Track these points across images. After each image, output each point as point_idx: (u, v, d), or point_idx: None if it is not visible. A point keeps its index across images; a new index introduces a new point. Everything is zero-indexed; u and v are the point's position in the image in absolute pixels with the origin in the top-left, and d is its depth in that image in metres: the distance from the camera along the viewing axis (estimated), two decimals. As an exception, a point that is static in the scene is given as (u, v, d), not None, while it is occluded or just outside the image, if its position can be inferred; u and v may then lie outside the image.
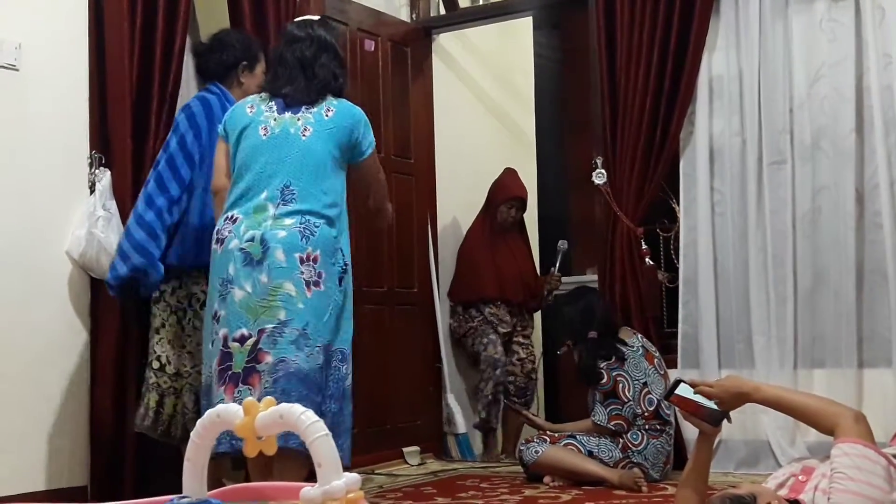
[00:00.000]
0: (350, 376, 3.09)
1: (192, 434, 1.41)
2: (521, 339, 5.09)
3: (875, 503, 2.02)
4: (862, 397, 3.97)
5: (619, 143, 4.42)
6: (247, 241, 2.99)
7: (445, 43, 5.39)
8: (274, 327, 2.93)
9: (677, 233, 4.42)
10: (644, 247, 4.36)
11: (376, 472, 4.40)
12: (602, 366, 3.97)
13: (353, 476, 1.29)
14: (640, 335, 4.14)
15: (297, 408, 1.34)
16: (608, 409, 3.95)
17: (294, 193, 3.03)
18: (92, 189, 3.47)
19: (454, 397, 4.97)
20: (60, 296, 3.44)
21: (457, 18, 5.31)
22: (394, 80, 4.91)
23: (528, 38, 5.76)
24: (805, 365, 4.12)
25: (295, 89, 3.15)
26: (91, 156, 3.51)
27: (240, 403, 2.69)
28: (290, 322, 2.94)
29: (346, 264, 3.10)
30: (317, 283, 2.99)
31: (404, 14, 5.15)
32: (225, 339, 2.97)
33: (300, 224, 3.00)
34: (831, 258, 4.09)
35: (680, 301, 4.36)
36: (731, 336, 4.28)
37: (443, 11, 5.31)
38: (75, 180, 3.48)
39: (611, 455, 3.91)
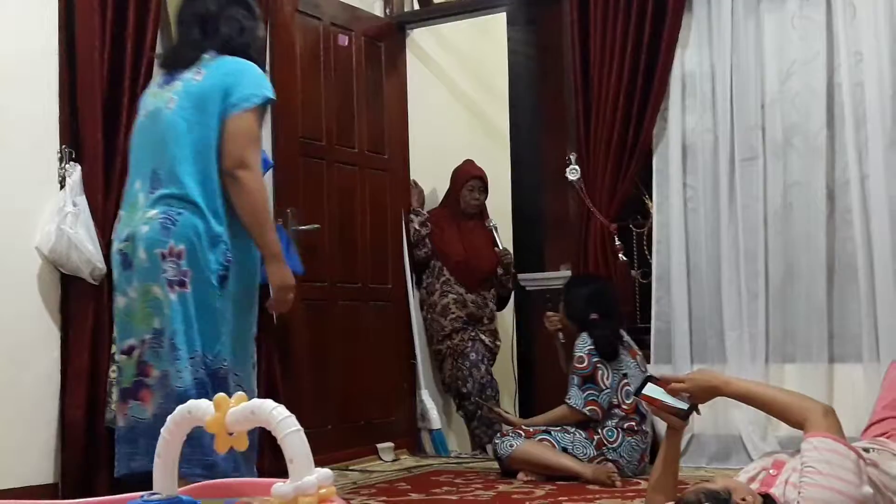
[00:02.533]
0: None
1: (162, 430, 1.41)
2: (485, 336, 5.04)
3: (844, 496, 2.04)
4: (832, 392, 4.01)
5: (592, 139, 4.44)
6: (123, 241, 2.72)
7: (420, 38, 5.38)
8: (152, 337, 2.65)
9: (650, 229, 4.45)
10: (617, 243, 4.39)
11: (350, 468, 4.38)
12: (585, 350, 3.97)
13: (326, 472, 1.29)
14: (623, 331, 4.16)
15: (269, 403, 1.34)
16: (585, 394, 3.95)
17: (160, 178, 2.67)
18: (62, 184, 3.43)
19: (428, 393, 4.97)
20: (30, 291, 3.40)
21: (431, 14, 5.31)
22: (367, 76, 4.90)
23: (503, 34, 5.73)
24: (776, 360, 4.15)
25: (177, 52, 2.80)
26: (61, 150, 3.47)
27: (134, 419, 2.51)
28: (164, 331, 2.63)
29: (228, 261, 2.67)
30: (182, 284, 2.61)
31: (378, 9, 5.13)
32: (117, 352, 2.76)
33: (162, 214, 2.63)
34: (802, 254, 4.12)
35: (653, 297, 4.40)
36: (704, 331, 4.31)
37: (417, 7, 5.30)
38: (45, 175, 3.44)
39: (585, 452, 3.92)
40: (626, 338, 4.12)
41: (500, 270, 5.08)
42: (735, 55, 4.26)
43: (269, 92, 2.70)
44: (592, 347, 4.00)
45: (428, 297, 5.05)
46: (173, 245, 2.61)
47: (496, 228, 5.10)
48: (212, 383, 2.62)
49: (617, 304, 4.22)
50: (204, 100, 2.66)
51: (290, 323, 4.29)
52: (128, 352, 2.68)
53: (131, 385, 2.67)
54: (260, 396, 3.35)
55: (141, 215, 2.67)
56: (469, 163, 5.20)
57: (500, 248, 5.06)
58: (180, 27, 2.84)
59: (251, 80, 2.68)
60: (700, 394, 2.47)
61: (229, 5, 2.79)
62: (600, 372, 3.97)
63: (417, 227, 5.03)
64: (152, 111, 2.75)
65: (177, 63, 2.75)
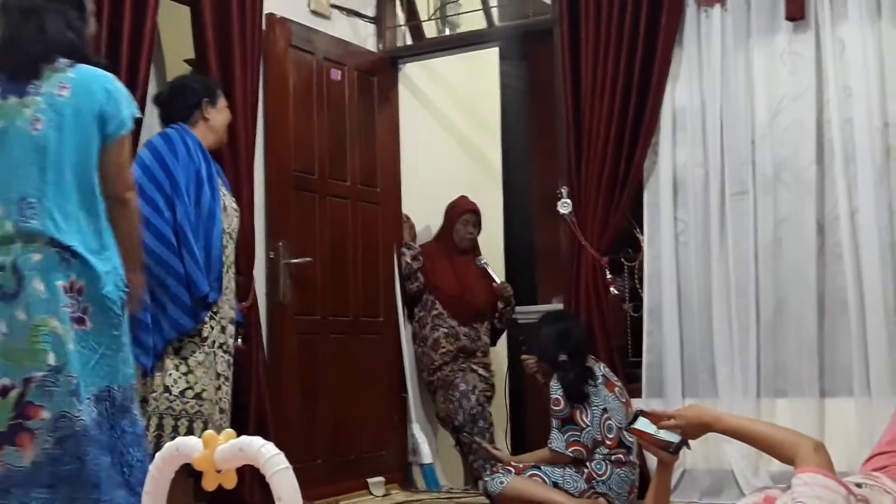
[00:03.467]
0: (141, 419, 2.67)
1: (150, 467, 1.40)
2: (479, 367, 5.00)
3: (835, 532, 2.02)
4: (824, 426, 4.00)
5: (584, 172, 4.46)
6: None
7: (412, 72, 5.41)
8: (45, 375, 2.43)
9: (641, 262, 4.46)
10: (609, 276, 4.41)
11: (340, 502, 4.36)
12: (559, 393, 3.96)
13: (314, 510, 1.29)
14: (602, 364, 4.15)
15: (258, 441, 1.34)
16: (566, 436, 3.93)
17: (35, 209, 2.48)
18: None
19: (419, 427, 4.95)
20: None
21: (423, 48, 5.34)
22: (360, 109, 4.92)
23: (495, 68, 5.76)
24: (768, 394, 4.15)
25: (16, 59, 2.53)
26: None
27: (8, 468, 2.34)
28: (64, 367, 2.44)
29: (124, 292, 2.60)
30: (82, 321, 2.49)
31: (371, 44, 5.16)
32: None
33: (53, 246, 2.48)
34: (793, 288, 4.14)
35: (644, 330, 4.40)
36: (695, 365, 4.31)
37: (409, 41, 5.34)
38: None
39: (576, 486, 3.89)
40: (603, 371, 4.08)
41: (500, 304, 5.04)
42: (725, 90, 4.30)
43: (137, 111, 2.70)
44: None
45: (419, 330, 5.03)
46: (75, 279, 2.49)
47: (488, 265, 5.06)
48: (114, 416, 2.53)
49: (585, 340, 4.19)
50: (80, 123, 2.53)
51: (281, 356, 4.30)
52: (0, 392, 2.44)
53: (6, 429, 2.43)
54: (250, 430, 3.36)
55: (21, 244, 2.48)
56: (463, 198, 5.20)
57: (498, 282, 5.03)
58: (3, 18, 2.60)
59: (123, 100, 2.61)
60: (691, 430, 2.46)
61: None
62: (578, 411, 3.94)
63: (409, 261, 5.03)
64: (3, 127, 2.52)
65: (21, 70, 2.53)
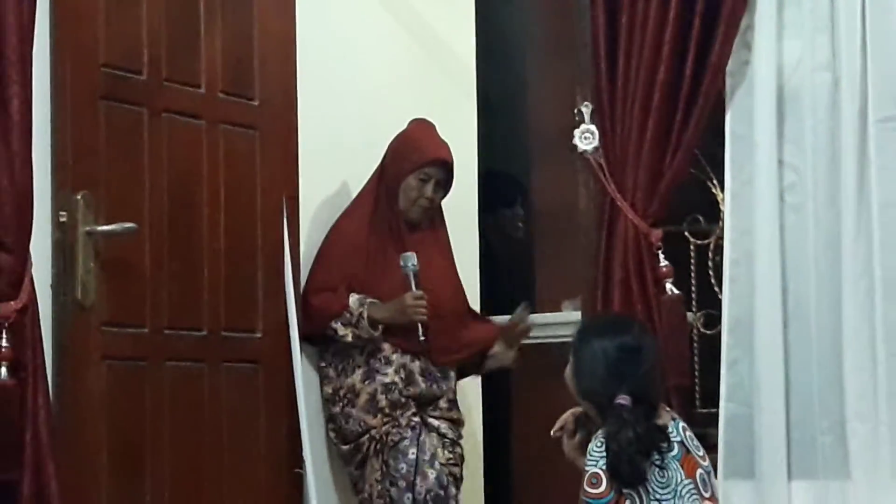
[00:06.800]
0: None
1: None
2: (441, 422, 5.10)
3: None
4: None
5: (621, 79, 4.59)
6: None
7: None
8: None
9: (720, 240, 4.62)
10: (664, 263, 4.54)
11: None
12: (600, 465, 3.84)
13: None
14: (679, 419, 4.03)
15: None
16: None
17: None
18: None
19: (324, 523, 4.95)
20: None
21: None
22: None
23: None
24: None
25: None
26: None
27: None
28: None
29: None
30: None
31: None
32: None
33: None
34: None
35: (723, 360, 4.53)
36: (811, 422, 4.42)
37: None
38: None
39: None
40: (682, 434, 3.98)
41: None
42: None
43: None
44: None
45: (339, 375, 5.01)
46: None
47: (415, 269, 5.00)
48: None
49: (658, 368, 4.10)
50: None
51: (78, 400, 4.23)
52: None
53: None
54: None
55: None
56: (427, 132, 5.16)
57: (414, 291, 4.98)
58: None
59: None
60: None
61: None
62: (629, 502, 3.89)
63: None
64: None
65: None
